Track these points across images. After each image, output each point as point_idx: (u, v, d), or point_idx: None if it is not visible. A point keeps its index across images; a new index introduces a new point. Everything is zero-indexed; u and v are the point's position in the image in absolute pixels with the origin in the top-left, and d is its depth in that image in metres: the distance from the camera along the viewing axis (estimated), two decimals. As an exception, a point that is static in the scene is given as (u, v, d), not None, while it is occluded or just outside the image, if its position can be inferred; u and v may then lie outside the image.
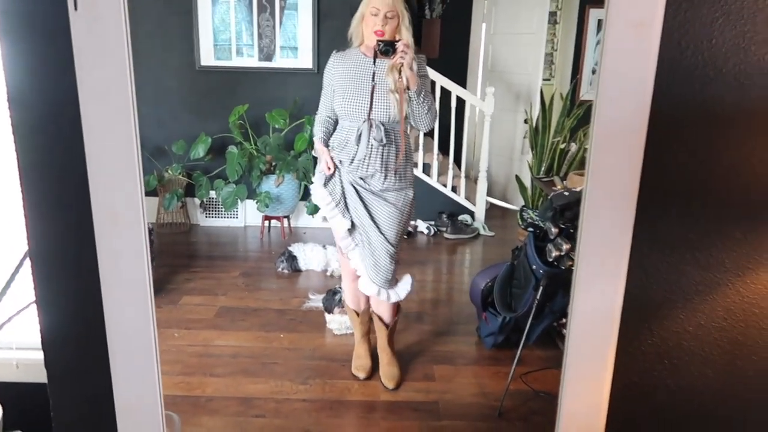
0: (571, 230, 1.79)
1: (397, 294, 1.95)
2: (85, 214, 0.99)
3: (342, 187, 1.90)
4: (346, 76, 1.84)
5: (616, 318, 0.99)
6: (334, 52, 1.91)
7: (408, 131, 1.91)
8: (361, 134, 1.81)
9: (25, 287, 1.16)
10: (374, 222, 1.89)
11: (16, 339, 1.35)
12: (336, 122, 1.91)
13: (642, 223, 1.02)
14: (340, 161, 1.87)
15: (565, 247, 1.77)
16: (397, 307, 2.04)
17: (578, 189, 1.84)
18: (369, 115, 1.79)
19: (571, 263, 1.75)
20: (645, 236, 1.03)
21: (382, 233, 1.88)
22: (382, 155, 1.82)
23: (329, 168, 1.88)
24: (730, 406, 1.14)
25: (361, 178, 1.87)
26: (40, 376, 1.24)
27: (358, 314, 2.08)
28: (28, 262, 1.10)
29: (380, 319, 2.03)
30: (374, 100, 1.79)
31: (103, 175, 0.98)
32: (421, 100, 1.78)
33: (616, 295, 0.98)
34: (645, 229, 1.03)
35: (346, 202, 1.90)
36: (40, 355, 1.27)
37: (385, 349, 2.04)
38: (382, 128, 1.80)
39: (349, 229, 1.92)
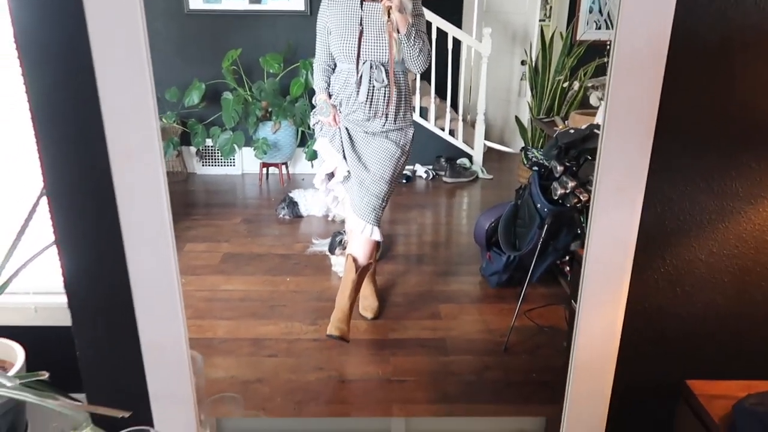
0: (576, 168, 1.80)
1: (378, 233, 1.99)
2: (101, 151, 0.98)
3: (340, 133, 1.92)
4: (339, 18, 1.83)
5: (631, 247, 1.01)
6: None
7: (404, 72, 1.91)
8: (361, 76, 1.81)
9: (39, 231, 1.16)
10: (369, 161, 1.91)
11: (33, 283, 1.35)
12: (335, 67, 1.91)
13: (658, 153, 1.03)
14: (340, 103, 1.89)
15: (571, 184, 1.78)
16: (376, 248, 2.07)
17: (583, 127, 1.84)
18: (357, 59, 1.79)
19: (576, 200, 1.77)
20: (661, 166, 1.05)
21: (376, 171, 1.91)
22: (384, 96, 1.83)
23: (336, 122, 1.89)
24: (739, 332, 1.18)
25: (360, 121, 1.88)
26: (61, 319, 1.25)
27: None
28: (42, 206, 1.09)
29: (354, 260, 2.04)
30: (362, 43, 1.79)
31: (117, 110, 0.96)
32: (412, 42, 1.79)
33: (632, 224, 1.00)
34: (661, 159, 1.04)
35: (343, 147, 1.93)
36: (57, 299, 1.28)
37: (368, 282, 2.07)
38: (383, 69, 1.81)
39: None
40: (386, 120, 1.86)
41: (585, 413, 1.10)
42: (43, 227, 1.12)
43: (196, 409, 1.17)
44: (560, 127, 2.33)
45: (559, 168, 1.80)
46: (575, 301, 1.56)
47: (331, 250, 2.32)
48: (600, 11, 3.18)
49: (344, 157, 1.93)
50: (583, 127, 1.83)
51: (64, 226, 1.08)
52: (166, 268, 1.07)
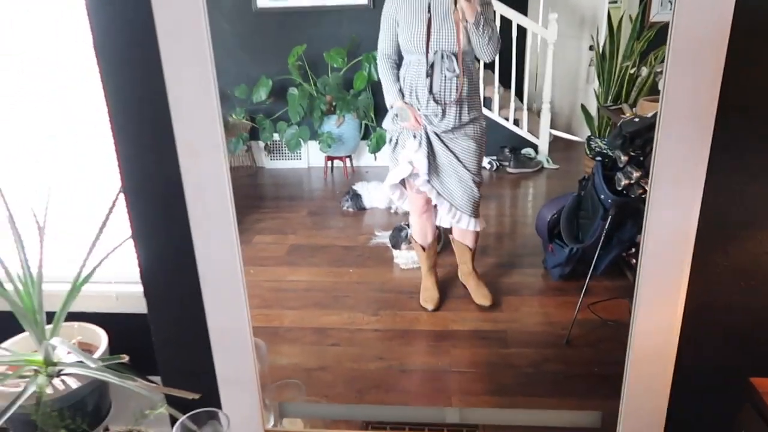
0: (641, 158, 1.74)
1: (482, 223, 2.02)
2: (170, 150, 1.05)
3: (425, 134, 1.92)
4: (408, 7, 1.82)
5: (690, 240, 0.98)
6: None
7: (474, 62, 1.89)
8: (433, 65, 1.81)
9: (119, 225, 1.26)
10: (456, 159, 1.92)
11: (113, 273, 1.46)
12: (398, 64, 1.91)
13: (719, 144, 0.99)
14: (416, 98, 1.89)
15: (635, 174, 1.72)
16: (477, 235, 2.09)
17: (649, 115, 1.78)
18: (427, 48, 1.79)
19: (641, 191, 1.71)
20: (722, 157, 1.01)
21: (465, 167, 1.91)
22: (455, 86, 1.83)
23: (419, 121, 1.90)
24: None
25: (434, 116, 1.88)
26: (139, 307, 1.35)
27: (424, 249, 2.13)
28: (120, 202, 1.18)
29: (467, 247, 2.07)
30: (431, 32, 1.78)
31: (184, 110, 1.03)
32: (481, 30, 1.76)
33: (691, 217, 0.96)
34: (722, 150, 1.00)
35: (427, 148, 1.94)
36: (135, 288, 1.39)
37: (471, 273, 2.09)
38: (453, 59, 1.80)
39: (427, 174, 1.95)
40: (460, 110, 1.86)
41: (643, 409, 1.08)
42: (122, 221, 1.22)
43: (261, 394, 1.24)
44: (628, 114, 2.25)
45: (624, 158, 1.75)
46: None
47: (396, 245, 2.35)
48: (674, -10, 3.02)
49: (428, 158, 1.93)
50: (649, 115, 1.77)
51: (138, 221, 1.17)
52: (230, 258, 1.13)
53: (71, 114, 1.42)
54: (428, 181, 1.97)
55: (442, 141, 1.93)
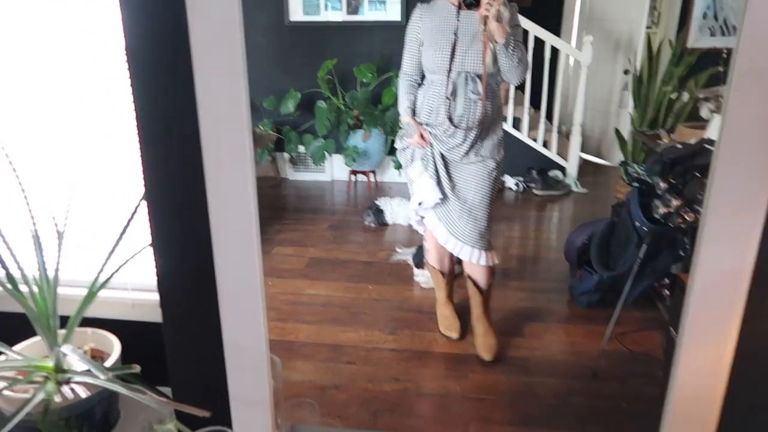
0: (680, 186, 1.68)
1: (493, 257, 1.91)
2: (196, 159, 1.02)
3: (434, 156, 1.87)
4: (434, 27, 1.79)
5: (746, 279, 0.91)
6: (418, 3, 1.86)
7: (498, 84, 1.85)
8: (455, 88, 1.77)
9: (137, 232, 1.23)
10: (467, 186, 1.87)
11: (130, 280, 1.44)
12: (419, 85, 1.88)
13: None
14: (430, 128, 1.85)
15: (675, 203, 1.65)
16: (491, 274, 1.97)
17: (692, 141, 1.71)
18: (449, 70, 1.75)
19: (680, 220, 1.64)
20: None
21: (476, 197, 1.86)
22: (478, 108, 1.78)
23: (425, 140, 1.86)
24: None
25: (450, 148, 1.84)
26: (154, 316, 1.32)
27: (443, 274, 2.07)
28: (141, 210, 1.15)
29: (475, 283, 1.96)
30: (456, 53, 1.74)
31: (213, 124, 1.00)
32: (510, 52, 1.71)
33: (747, 254, 0.89)
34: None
35: (438, 172, 1.89)
36: (151, 296, 1.35)
37: (481, 318, 1.97)
38: (478, 81, 1.76)
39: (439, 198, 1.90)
40: (480, 135, 1.80)
41: (680, 456, 1.01)
42: (142, 229, 1.19)
43: (273, 413, 1.19)
44: (665, 140, 2.19)
45: (663, 185, 1.68)
46: (674, 329, 1.45)
47: (418, 264, 2.30)
48: (715, 17, 2.96)
49: (438, 181, 1.87)
50: (693, 141, 1.70)
51: (159, 229, 1.14)
52: (251, 273, 1.09)
53: (97, 116, 1.41)
54: (435, 205, 1.90)
55: (455, 165, 1.87)
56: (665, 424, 1.02)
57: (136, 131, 1.10)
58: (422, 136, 1.85)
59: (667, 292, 1.94)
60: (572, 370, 1.84)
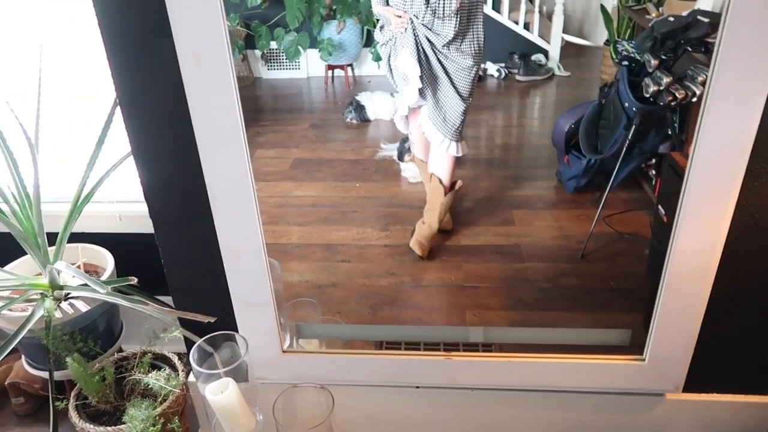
0: (671, 62, 1.63)
1: (459, 147, 1.88)
2: (169, 57, 0.95)
3: (415, 36, 1.78)
4: None
5: (747, 149, 0.90)
6: None
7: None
8: None
9: (118, 141, 1.17)
10: (443, 78, 1.80)
11: (117, 192, 1.39)
12: None
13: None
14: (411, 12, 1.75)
15: (665, 80, 1.61)
16: (452, 163, 1.96)
17: (684, 14, 1.64)
18: None
19: (670, 98, 1.61)
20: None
21: (453, 84, 1.78)
22: None
23: (403, 25, 1.76)
24: None
25: (430, 29, 1.74)
26: (144, 227, 1.29)
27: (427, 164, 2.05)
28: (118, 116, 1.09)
29: (438, 180, 1.95)
30: None
31: (185, 19, 0.91)
32: None
33: (751, 123, 0.88)
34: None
35: (418, 52, 1.81)
36: (139, 207, 1.32)
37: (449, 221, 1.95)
38: None
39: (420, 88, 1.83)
40: (458, 23, 1.72)
41: (675, 328, 1.05)
42: (123, 138, 1.13)
43: (277, 314, 1.21)
44: (653, 14, 2.10)
45: (653, 62, 1.63)
46: (662, 207, 1.46)
47: (400, 157, 2.27)
48: None
49: (419, 63, 1.81)
50: (684, 13, 1.63)
51: (138, 137, 1.08)
52: (241, 174, 1.06)
53: (61, 16, 1.29)
54: (420, 90, 1.85)
55: (436, 53, 1.80)
56: (660, 300, 1.05)
57: (98, 26, 1.00)
58: (397, 16, 1.77)
59: (653, 172, 1.94)
60: (561, 253, 1.88)
